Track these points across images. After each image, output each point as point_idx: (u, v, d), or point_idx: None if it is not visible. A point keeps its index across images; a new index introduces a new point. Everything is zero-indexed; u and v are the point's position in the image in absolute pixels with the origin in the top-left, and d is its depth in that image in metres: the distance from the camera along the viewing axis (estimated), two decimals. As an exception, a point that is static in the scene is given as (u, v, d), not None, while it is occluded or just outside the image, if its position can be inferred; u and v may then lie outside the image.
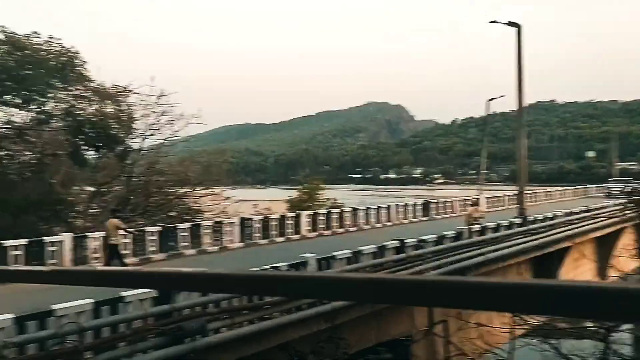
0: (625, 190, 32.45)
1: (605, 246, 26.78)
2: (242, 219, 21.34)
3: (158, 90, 25.64)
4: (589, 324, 12.96)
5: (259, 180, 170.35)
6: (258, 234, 21.16)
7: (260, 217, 22.42)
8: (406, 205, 29.54)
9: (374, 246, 14.09)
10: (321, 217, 24.23)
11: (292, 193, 39.54)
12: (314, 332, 11.43)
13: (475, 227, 18.78)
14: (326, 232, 23.92)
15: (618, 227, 26.88)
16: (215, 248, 19.39)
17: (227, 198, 28.13)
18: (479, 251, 16.52)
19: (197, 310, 9.79)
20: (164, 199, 26.34)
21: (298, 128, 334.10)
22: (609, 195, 41.36)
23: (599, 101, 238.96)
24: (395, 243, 14.43)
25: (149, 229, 18.22)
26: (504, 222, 19.47)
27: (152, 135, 26.36)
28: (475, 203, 26.41)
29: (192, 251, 18.61)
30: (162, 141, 26.98)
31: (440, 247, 15.73)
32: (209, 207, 27.13)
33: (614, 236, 26.98)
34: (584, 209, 26.01)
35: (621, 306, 0.74)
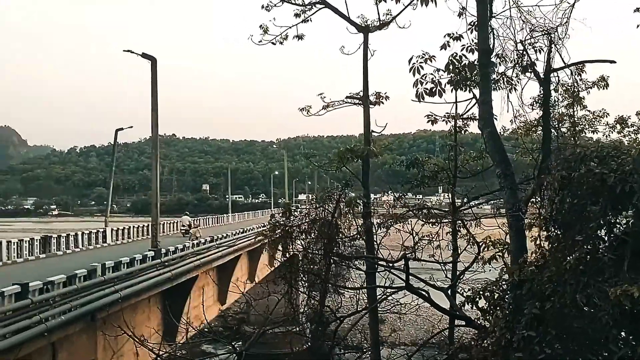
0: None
1: (225, 272, 29.09)
2: None
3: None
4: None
5: None
6: None
7: None
8: (21, 241, 25.70)
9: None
10: None
11: None
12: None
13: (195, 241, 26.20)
14: None
15: (236, 254, 29.68)
16: None
17: None
18: (113, 288, 15.55)
19: None
20: None
21: None
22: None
23: (213, 139, 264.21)
24: (15, 288, 12.22)
25: None
26: (138, 256, 18.92)
27: None
28: (197, 225, 35.66)
29: None
30: None
31: (70, 288, 14.12)
32: None
33: (233, 262, 29.63)
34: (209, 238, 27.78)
35: None
